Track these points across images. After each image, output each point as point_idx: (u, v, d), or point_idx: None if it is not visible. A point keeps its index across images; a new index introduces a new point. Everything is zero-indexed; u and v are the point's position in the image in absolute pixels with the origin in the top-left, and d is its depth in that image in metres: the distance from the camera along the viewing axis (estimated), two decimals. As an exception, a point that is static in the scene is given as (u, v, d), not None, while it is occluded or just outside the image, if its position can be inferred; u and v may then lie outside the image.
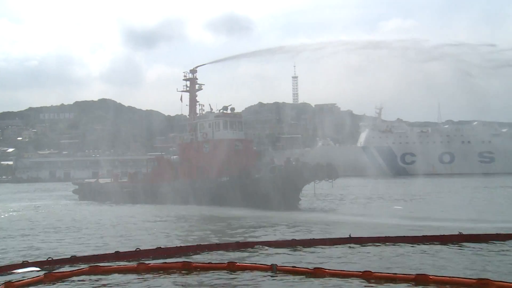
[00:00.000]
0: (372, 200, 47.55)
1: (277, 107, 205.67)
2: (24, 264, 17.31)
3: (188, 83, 52.23)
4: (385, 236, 21.88)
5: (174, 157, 50.70)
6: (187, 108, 52.06)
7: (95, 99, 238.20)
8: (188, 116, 52.45)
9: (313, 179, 40.67)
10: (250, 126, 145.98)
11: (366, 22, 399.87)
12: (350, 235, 21.55)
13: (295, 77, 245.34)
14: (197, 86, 52.23)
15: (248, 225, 29.85)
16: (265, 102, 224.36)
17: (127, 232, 28.13)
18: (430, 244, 20.75)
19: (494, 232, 22.38)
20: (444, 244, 20.67)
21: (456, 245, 20.55)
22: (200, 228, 30.03)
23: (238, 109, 51.72)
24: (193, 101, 51.85)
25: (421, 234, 21.93)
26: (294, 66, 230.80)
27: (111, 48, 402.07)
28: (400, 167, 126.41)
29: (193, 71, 52.49)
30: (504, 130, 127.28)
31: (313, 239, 21.90)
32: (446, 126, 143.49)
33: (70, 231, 29.47)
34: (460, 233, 21.52)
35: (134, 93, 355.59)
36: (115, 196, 52.40)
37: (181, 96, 52.17)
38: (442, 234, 21.81)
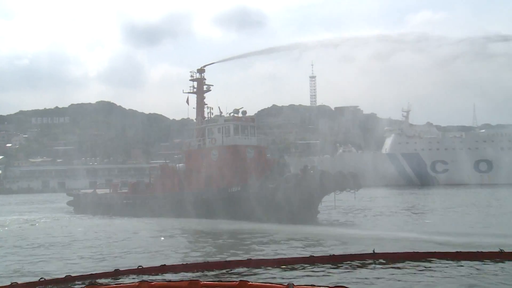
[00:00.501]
0: (399, 212, 47.29)
1: (293, 110, 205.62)
2: (13, 286, 17.34)
3: (195, 83, 52.41)
4: (414, 252, 21.70)
5: (180, 165, 50.76)
6: (194, 111, 52.27)
7: (93, 101, 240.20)
8: (195, 120, 52.59)
9: (334, 190, 40.51)
10: (264, 131, 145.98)
11: (391, 15, 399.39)
12: (374, 251, 21.42)
13: (312, 77, 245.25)
14: (205, 87, 52.39)
15: (261, 240, 29.82)
16: (279, 104, 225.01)
17: (128, 249, 28.25)
18: (466, 261, 20.51)
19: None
20: (482, 262, 20.40)
21: (497, 264, 20.26)
22: (208, 244, 30.07)
23: (250, 112, 51.76)
24: (200, 104, 51.95)
25: (454, 250, 21.70)
26: (312, 65, 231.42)
27: (110, 46, 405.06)
28: (430, 176, 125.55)
29: (201, 70, 52.67)
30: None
31: (333, 255, 21.79)
32: (483, 130, 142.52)
33: (64, 247, 29.61)
34: (501, 250, 21.16)
35: (135, 95, 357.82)
36: (114, 208, 52.50)
37: (188, 98, 52.46)
38: (479, 250, 21.54)
